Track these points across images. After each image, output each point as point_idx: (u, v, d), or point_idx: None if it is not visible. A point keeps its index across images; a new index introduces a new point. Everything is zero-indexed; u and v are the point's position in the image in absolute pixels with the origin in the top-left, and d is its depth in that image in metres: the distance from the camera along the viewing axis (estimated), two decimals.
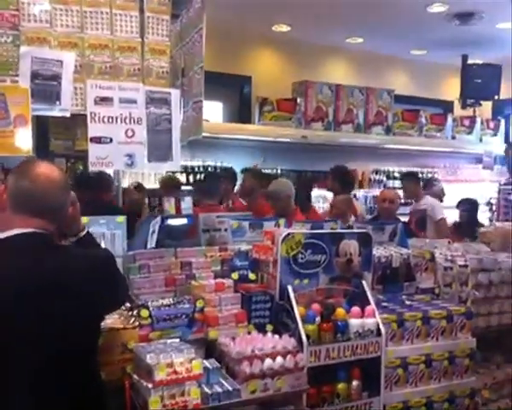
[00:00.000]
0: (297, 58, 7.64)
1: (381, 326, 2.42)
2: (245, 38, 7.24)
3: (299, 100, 6.91)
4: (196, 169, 6.24)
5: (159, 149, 2.31)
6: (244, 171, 5.85)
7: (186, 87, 2.67)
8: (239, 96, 7.52)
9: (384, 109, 7.41)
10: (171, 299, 2.23)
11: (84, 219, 2.40)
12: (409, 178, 5.89)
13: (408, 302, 2.86)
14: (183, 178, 6.03)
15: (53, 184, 1.72)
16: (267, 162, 7.06)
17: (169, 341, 2.05)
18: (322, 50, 7.75)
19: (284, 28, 7.17)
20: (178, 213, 2.72)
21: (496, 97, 8.06)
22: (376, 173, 7.61)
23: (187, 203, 2.68)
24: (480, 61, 8.03)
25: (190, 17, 2.63)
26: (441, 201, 6.04)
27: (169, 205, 2.63)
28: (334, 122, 7.17)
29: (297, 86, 7.16)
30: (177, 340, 2.08)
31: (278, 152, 7.06)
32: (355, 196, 7.41)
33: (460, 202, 5.84)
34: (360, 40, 7.69)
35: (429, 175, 7.78)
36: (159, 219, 2.60)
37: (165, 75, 2.37)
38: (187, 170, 6.16)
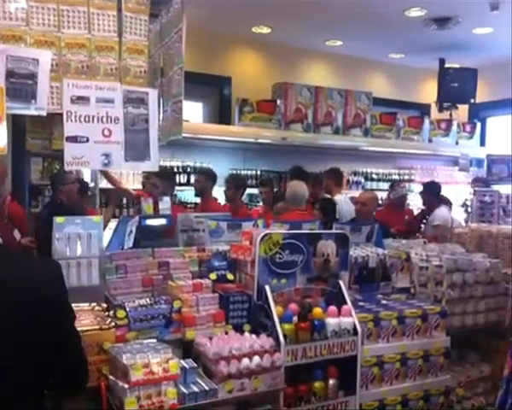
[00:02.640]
0: (277, 60, 7.67)
1: (358, 325, 2.45)
2: (225, 39, 7.24)
3: (278, 101, 6.95)
4: (176, 169, 6.21)
5: (136, 149, 2.30)
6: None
7: (165, 87, 2.66)
8: (219, 97, 7.51)
9: (362, 111, 7.50)
10: (148, 299, 2.23)
11: (60, 220, 2.39)
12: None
13: (384, 302, 2.90)
14: None
15: None
16: (247, 163, 7.08)
17: (146, 341, 2.05)
18: (302, 53, 7.79)
19: (264, 30, 7.19)
20: (156, 214, 2.71)
21: (472, 101, 8.20)
22: (355, 175, 7.67)
23: (165, 203, 2.67)
24: (456, 65, 8.16)
25: (170, 17, 2.63)
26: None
27: (147, 205, 2.62)
28: (314, 124, 7.23)
29: (277, 88, 7.20)
30: (154, 340, 2.07)
31: (258, 153, 7.08)
32: None
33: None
34: (339, 43, 7.75)
35: (406, 177, 7.88)
36: (136, 219, 2.59)
37: (142, 75, 2.37)
38: (166, 170, 6.12)
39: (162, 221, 2.68)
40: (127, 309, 2.14)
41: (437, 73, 8.04)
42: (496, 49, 7.50)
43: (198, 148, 6.60)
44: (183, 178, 6.24)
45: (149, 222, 2.63)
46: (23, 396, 1.48)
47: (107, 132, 2.29)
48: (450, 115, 8.37)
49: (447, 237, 4.81)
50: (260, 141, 6.86)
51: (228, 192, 5.38)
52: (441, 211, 5.56)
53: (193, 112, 7.15)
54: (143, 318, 2.15)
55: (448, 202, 6.07)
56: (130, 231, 2.57)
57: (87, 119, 2.27)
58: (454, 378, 3.08)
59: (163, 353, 1.91)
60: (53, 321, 1.51)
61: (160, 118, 2.56)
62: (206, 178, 5.31)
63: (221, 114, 7.43)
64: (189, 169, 6.34)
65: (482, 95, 8.34)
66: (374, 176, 7.75)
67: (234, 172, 6.78)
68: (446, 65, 8.05)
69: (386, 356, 2.62)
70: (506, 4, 5.86)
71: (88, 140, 2.26)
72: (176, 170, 6.18)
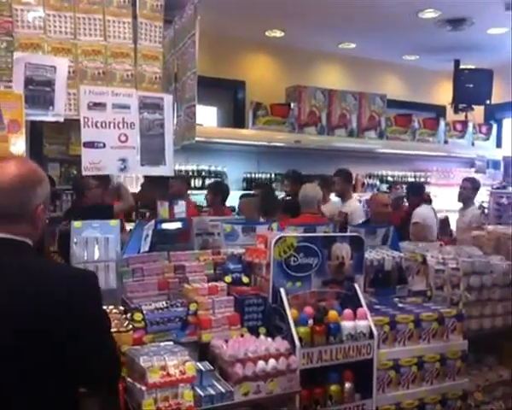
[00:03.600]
0: (290, 63, 7.68)
1: (374, 329, 2.44)
2: (239, 43, 7.28)
3: (292, 105, 6.96)
4: (190, 173, 6.25)
5: (151, 154, 2.33)
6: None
7: (179, 92, 2.69)
8: (233, 101, 7.55)
9: (377, 114, 7.48)
10: (164, 302, 2.25)
11: (78, 224, 2.43)
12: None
13: (400, 305, 2.88)
14: None
15: (4, 185, 1.54)
16: (262, 167, 7.10)
17: (162, 344, 2.07)
18: (316, 56, 7.80)
19: (278, 33, 7.22)
20: (172, 217, 2.73)
21: (487, 102, 8.13)
22: (370, 177, 7.65)
23: (180, 207, 2.69)
24: (471, 66, 8.10)
25: (183, 23, 2.66)
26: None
27: (163, 209, 2.64)
28: (328, 126, 7.22)
29: (290, 91, 7.21)
30: (171, 343, 2.09)
31: (272, 156, 7.10)
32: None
33: None
34: (353, 46, 7.74)
35: (421, 179, 7.83)
36: (152, 222, 2.61)
37: (157, 81, 2.40)
38: (181, 174, 6.17)
39: (178, 225, 2.70)
40: (144, 312, 2.16)
41: (452, 74, 7.99)
42: (511, 50, 7.43)
43: (212, 152, 6.64)
44: (197, 182, 6.28)
45: (165, 226, 2.65)
46: (58, 397, 1.56)
47: (123, 138, 2.33)
48: (466, 117, 8.30)
49: (426, 236, 4.86)
50: (274, 144, 6.87)
51: (207, 197, 5.65)
52: (421, 209, 5.56)
53: (207, 116, 7.20)
54: (160, 320, 2.17)
55: (429, 201, 6.10)
56: (147, 235, 2.59)
57: (104, 124, 2.31)
58: (472, 382, 3.04)
59: (179, 355, 1.92)
60: (86, 328, 1.57)
61: (174, 123, 2.58)
62: (213, 194, 5.52)
63: (235, 117, 7.47)
64: (203, 173, 6.38)
65: (498, 96, 8.26)
66: (389, 178, 7.72)
67: (248, 175, 6.81)
68: (461, 66, 7.99)
69: (402, 360, 2.60)
70: None
71: (105, 145, 2.30)
72: (190, 174, 6.22)
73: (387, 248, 3.30)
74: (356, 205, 5.75)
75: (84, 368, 1.59)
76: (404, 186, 7.28)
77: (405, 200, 6.28)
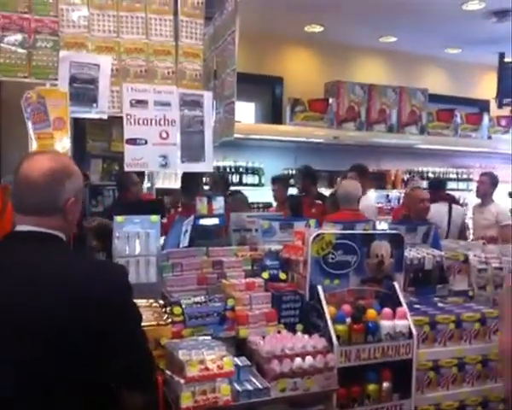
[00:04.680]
0: (329, 58, 7.61)
1: (413, 328, 2.40)
2: (277, 39, 7.26)
3: (330, 100, 6.90)
4: (228, 170, 6.29)
5: (192, 150, 2.36)
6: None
7: (218, 89, 2.71)
8: (271, 97, 7.54)
9: (418, 109, 7.32)
10: (202, 297, 2.28)
11: (120, 219, 2.48)
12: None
13: (440, 305, 2.83)
14: None
15: (33, 181, 1.56)
16: (299, 162, 7.06)
17: (200, 338, 2.09)
18: (355, 50, 7.70)
19: (317, 29, 7.16)
20: (210, 213, 2.76)
21: None
22: (410, 174, 7.51)
23: (219, 203, 2.72)
24: None
25: (223, 20, 2.67)
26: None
27: (201, 205, 2.67)
28: (367, 122, 7.12)
29: (329, 86, 7.15)
30: (209, 337, 2.12)
31: (310, 152, 7.06)
32: (387, 196, 7.37)
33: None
34: (393, 39, 7.59)
35: (464, 176, 7.64)
36: (191, 218, 2.65)
37: (198, 78, 2.42)
38: (218, 170, 6.22)
39: (216, 221, 2.72)
40: (183, 306, 2.20)
41: (496, 67, 7.74)
42: None
43: (250, 148, 6.66)
44: (235, 179, 6.31)
45: (203, 222, 2.68)
46: (92, 393, 1.55)
47: (164, 135, 2.36)
48: (511, 111, 8.04)
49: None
50: (312, 140, 6.83)
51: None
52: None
53: (245, 112, 7.22)
54: (198, 315, 2.20)
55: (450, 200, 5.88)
56: (186, 230, 2.63)
57: (145, 122, 2.35)
58: None
59: (217, 350, 1.94)
60: (115, 323, 1.55)
61: (214, 119, 2.60)
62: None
63: (273, 113, 7.46)
64: (241, 169, 6.40)
65: None
66: (430, 175, 7.56)
67: (286, 172, 6.80)
68: (506, 59, 7.73)
69: (442, 360, 2.56)
70: None
71: (146, 142, 2.34)
72: (228, 170, 6.26)
73: (428, 246, 3.24)
74: (366, 203, 5.43)
75: (114, 363, 1.56)
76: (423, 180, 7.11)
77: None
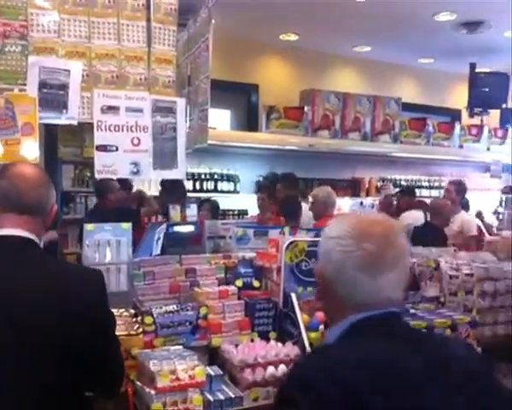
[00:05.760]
0: (304, 66, 7.67)
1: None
2: (253, 47, 7.29)
3: (306, 108, 6.94)
4: (203, 176, 6.27)
5: (164, 157, 2.34)
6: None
7: (192, 96, 2.69)
8: (246, 104, 7.56)
9: (391, 118, 7.42)
10: (175, 306, 2.25)
11: (90, 227, 2.44)
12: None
13: (412, 311, 2.85)
14: (189, 185, 6.07)
15: (28, 182, 1.66)
16: (274, 170, 7.08)
17: (172, 348, 2.07)
18: (330, 59, 7.79)
19: (292, 37, 7.21)
20: (184, 221, 2.74)
21: (504, 106, 8.03)
22: (383, 181, 7.60)
23: (192, 210, 2.70)
24: (487, 70, 8.01)
25: (197, 27, 2.67)
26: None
27: (175, 212, 2.65)
28: (341, 130, 7.19)
29: (304, 94, 7.19)
30: (181, 347, 2.09)
31: (285, 160, 7.08)
32: (361, 203, 7.45)
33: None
34: (368, 49, 7.71)
35: (435, 183, 7.77)
36: (164, 226, 2.62)
37: (171, 84, 2.41)
38: (194, 177, 6.20)
39: (189, 228, 2.70)
40: (154, 315, 2.16)
41: (467, 77, 7.91)
42: None
43: (225, 155, 6.65)
44: (210, 185, 6.29)
45: (177, 229, 2.66)
46: (64, 399, 1.55)
47: (136, 141, 2.34)
48: (482, 121, 8.22)
49: None
50: (287, 148, 6.86)
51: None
52: (406, 215, 5.53)
53: (221, 119, 7.21)
54: (170, 324, 2.17)
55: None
56: (158, 238, 2.61)
57: (117, 128, 2.32)
58: None
59: (189, 360, 1.92)
60: (94, 328, 1.58)
61: (187, 126, 2.58)
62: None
63: (249, 121, 7.48)
64: (216, 176, 6.39)
65: None
66: (403, 183, 7.66)
67: (260, 179, 6.80)
68: (477, 69, 7.91)
69: None
70: None
71: (117, 149, 2.31)
72: (203, 177, 6.23)
73: None
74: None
75: (90, 369, 1.60)
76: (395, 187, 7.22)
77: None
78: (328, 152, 7.09)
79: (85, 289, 1.59)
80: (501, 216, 5.47)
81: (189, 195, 6.10)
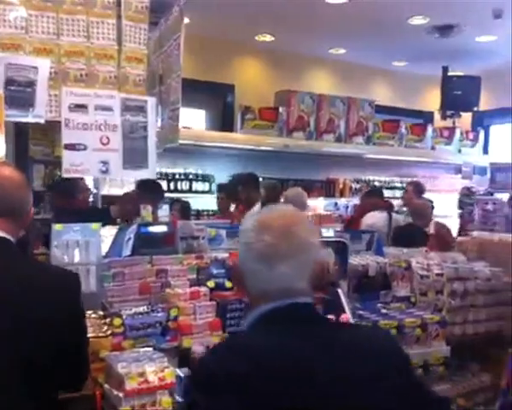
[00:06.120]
0: (280, 68, 7.69)
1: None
2: (229, 47, 7.28)
3: (281, 109, 6.96)
4: (177, 176, 6.22)
5: (134, 157, 2.31)
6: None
7: (164, 95, 2.67)
8: (222, 105, 7.54)
9: (365, 119, 7.50)
10: (145, 307, 2.22)
11: (59, 227, 2.40)
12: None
13: (383, 311, 2.88)
14: (164, 185, 6.02)
15: (11, 183, 1.68)
16: (249, 170, 7.07)
17: (142, 350, 2.04)
18: (305, 60, 7.82)
19: (268, 38, 7.23)
20: (155, 221, 2.71)
21: (475, 109, 8.19)
22: (358, 183, 7.67)
23: (164, 211, 2.67)
24: (460, 73, 8.15)
25: (169, 25, 2.64)
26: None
27: (146, 212, 2.62)
28: (316, 131, 7.23)
29: (279, 95, 7.21)
30: (151, 349, 2.06)
31: (260, 160, 7.08)
32: (336, 204, 7.51)
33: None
34: (342, 51, 7.76)
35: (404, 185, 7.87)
36: (135, 226, 2.59)
37: (141, 83, 2.38)
38: (168, 177, 6.15)
39: (161, 228, 2.67)
40: (123, 317, 2.13)
41: (440, 80, 8.04)
42: (499, 57, 7.49)
43: (200, 155, 6.62)
44: (184, 186, 6.25)
45: (148, 229, 2.63)
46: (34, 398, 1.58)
47: (105, 140, 2.30)
48: (454, 123, 8.36)
49: None
50: (262, 148, 6.86)
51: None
52: (368, 216, 5.49)
53: (196, 119, 7.18)
54: (140, 326, 2.14)
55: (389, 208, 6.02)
56: (129, 239, 2.57)
57: (85, 126, 2.28)
58: (455, 388, 3.05)
59: (158, 362, 1.89)
60: (68, 327, 1.64)
61: (158, 125, 2.56)
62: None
63: (224, 121, 7.46)
64: (191, 176, 6.35)
65: (486, 103, 8.33)
66: (376, 183, 7.74)
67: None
68: (450, 73, 8.04)
69: None
70: (509, 12, 5.87)
71: (86, 148, 2.27)
72: (177, 177, 6.19)
73: (372, 253, 3.30)
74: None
75: (60, 367, 1.63)
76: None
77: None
78: (303, 153, 7.11)
79: (62, 288, 1.65)
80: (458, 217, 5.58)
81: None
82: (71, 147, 2.24)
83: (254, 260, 1.28)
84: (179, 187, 6.12)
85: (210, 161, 6.73)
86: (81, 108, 2.26)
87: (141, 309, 2.20)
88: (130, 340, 2.10)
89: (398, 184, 7.79)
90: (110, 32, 2.36)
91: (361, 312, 2.79)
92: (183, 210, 5.01)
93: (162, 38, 2.74)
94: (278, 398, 1.15)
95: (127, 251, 2.54)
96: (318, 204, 7.50)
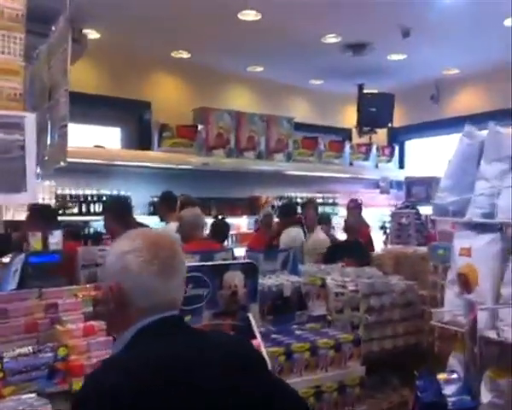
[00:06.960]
0: (198, 85, 7.58)
1: (267, 361, 2.30)
2: (144, 63, 7.07)
3: (199, 127, 6.83)
4: (89, 198, 5.88)
5: (9, 179, 2.05)
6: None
7: (53, 110, 2.44)
8: (138, 122, 7.29)
9: (285, 136, 7.53)
10: (30, 348, 1.98)
11: None
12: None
13: (298, 332, 2.77)
14: (75, 208, 5.68)
15: None
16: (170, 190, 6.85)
17: (24, 396, 1.80)
18: (223, 78, 7.76)
19: (184, 55, 7.10)
20: (45, 249, 2.46)
21: (389, 125, 8.47)
22: (280, 199, 7.66)
23: (56, 237, 2.43)
24: (374, 91, 8.41)
25: (56, 37, 2.42)
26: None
27: (35, 240, 2.37)
28: (237, 149, 7.16)
29: (197, 113, 7.10)
30: (34, 394, 1.83)
31: (180, 179, 6.89)
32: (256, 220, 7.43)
33: None
34: (260, 69, 7.77)
35: (330, 200, 7.97)
36: (22, 256, 2.33)
37: (17, 97, 2.13)
38: (79, 199, 5.80)
39: (52, 257, 2.43)
40: (4, 360, 1.89)
41: (356, 98, 8.25)
42: (410, 75, 7.81)
43: (116, 175, 6.33)
44: (97, 208, 5.91)
45: (37, 259, 2.38)
46: None
47: None
48: (370, 139, 8.59)
49: None
50: (181, 167, 6.69)
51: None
52: (285, 233, 5.57)
53: (110, 137, 6.87)
54: (23, 369, 1.90)
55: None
56: (16, 270, 2.31)
57: None
58: (376, 405, 3.00)
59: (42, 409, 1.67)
60: None
61: (48, 144, 2.32)
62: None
63: (141, 139, 7.21)
64: (104, 198, 6.02)
65: (400, 119, 8.65)
66: (299, 200, 7.76)
67: (155, 199, 6.53)
68: (365, 90, 8.28)
69: (300, 391, 2.46)
70: (417, 31, 6.10)
71: None
72: (89, 199, 5.85)
73: (287, 273, 3.21)
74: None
75: None
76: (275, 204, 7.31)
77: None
78: (224, 171, 7.01)
79: None
80: (388, 231, 5.67)
81: (74, 219, 5.73)
82: None
83: (154, 275, 1.37)
84: (92, 209, 5.79)
85: (126, 182, 6.44)
86: None
87: (26, 350, 1.96)
88: (11, 386, 1.86)
89: (320, 200, 7.86)
90: None
91: (274, 335, 2.67)
92: (73, 236, 4.68)
93: (50, 51, 2.52)
94: (154, 404, 1.23)
95: (13, 284, 2.28)
96: (242, 222, 7.42)
